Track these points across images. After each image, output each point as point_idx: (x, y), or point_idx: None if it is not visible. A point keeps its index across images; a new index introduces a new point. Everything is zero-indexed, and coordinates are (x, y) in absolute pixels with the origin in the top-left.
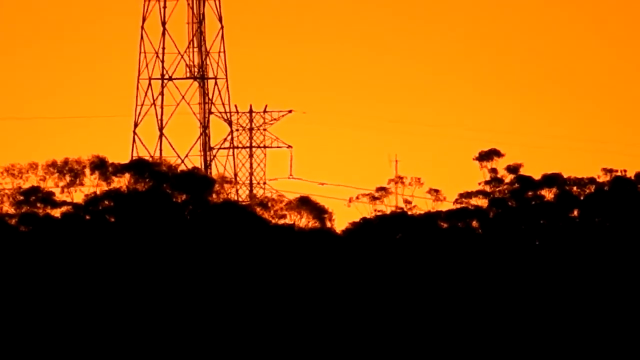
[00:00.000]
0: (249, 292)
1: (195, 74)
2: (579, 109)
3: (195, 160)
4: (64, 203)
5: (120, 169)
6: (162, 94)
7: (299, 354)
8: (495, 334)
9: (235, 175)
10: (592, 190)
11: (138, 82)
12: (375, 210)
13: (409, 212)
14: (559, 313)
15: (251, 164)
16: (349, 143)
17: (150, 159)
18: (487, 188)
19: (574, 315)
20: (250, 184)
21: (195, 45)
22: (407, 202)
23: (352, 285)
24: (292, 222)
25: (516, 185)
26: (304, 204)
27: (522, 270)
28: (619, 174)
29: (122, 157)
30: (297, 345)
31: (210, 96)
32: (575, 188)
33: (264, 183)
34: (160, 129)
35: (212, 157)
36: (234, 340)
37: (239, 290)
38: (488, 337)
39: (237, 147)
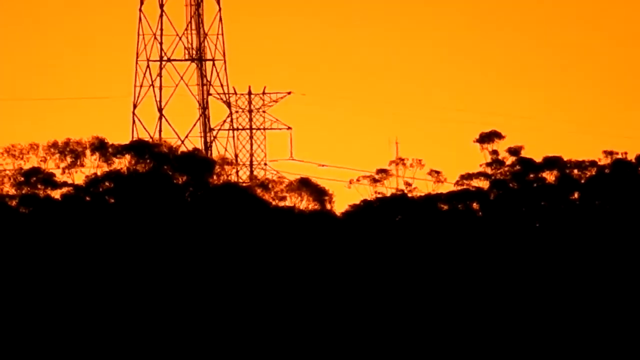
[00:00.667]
0: (249, 274)
1: (194, 55)
2: (580, 92)
3: (195, 142)
4: (64, 184)
5: (120, 150)
6: (160, 75)
7: (300, 337)
8: (495, 317)
9: (236, 156)
10: (593, 173)
11: (137, 63)
12: (375, 192)
13: (410, 194)
14: (560, 296)
15: (251, 146)
16: (349, 124)
17: (150, 140)
18: (488, 170)
19: (574, 299)
20: (251, 165)
21: (193, 27)
22: (407, 184)
23: (352, 267)
24: (293, 204)
25: (517, 167)
26: (304, 185)
27: (522, 252)
28: (619, 156)
29: (122, 139)
30: (297, 329)
31: (209, 78)
32: (576, 171)
33: (265, 164)
34: (160, 110)
35: (212, 138)
36: (235, 322)
37: (239, 272)
38: (488, 321)
39: (237, 129)
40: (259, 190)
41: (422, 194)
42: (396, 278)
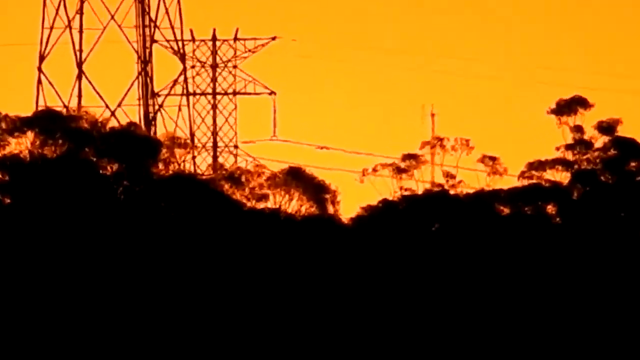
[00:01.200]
0: (209, 306)
1: None
2: None
3: (131, 113)
4: None
5: (19, 126)
6: (80, 12)
7: None
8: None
9: (192, 135)
10: None
11: None
12: (401, 189)
13: (452, 191)
14: None
15: (215, 118)
16: (361, 88)
17: (64, 110)
18: (569, 155)
19: None
20: (214, 148)
21: None
22: (449, 175)
23: (366, 297)
24: (277, 206)
25: (612, 151)
26: (295, 178)
27: (619, 273)
28: None
29: (23, 107)
30: None
31: (153, 17)
32: None
33: (235, 147)
34: (79, 65)
35: (156, 107)
36: None
37: (193, 302)
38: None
39: (195, 94)
40: (226, 186)
41: (471, 191)
42: (433, 313)
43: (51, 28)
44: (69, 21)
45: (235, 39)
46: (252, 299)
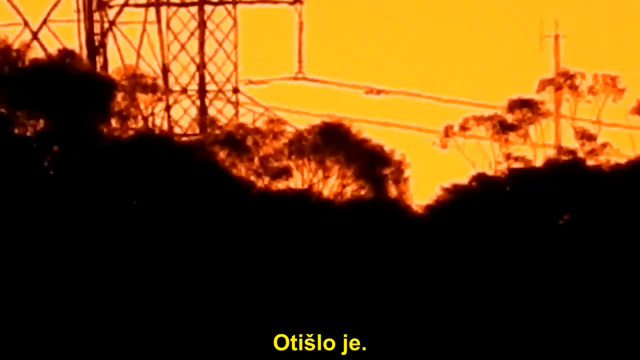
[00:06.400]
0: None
1: None
2: None
3: (65, 34)
4: None
5: None
6: None
7: None
8: None
9: (165, 71)
10: None
11: None
12: (507, 157)
13: (591, 160)
14: None
15: (202, 43)
16: None
17: None
18: None
19: None
20: (201, 92)
21: None
22: (585, 135)
23: (447, 318)
24: (308, 185)
25: None
26: (334, 141)
27: None
28: None
29: None
30: None
31: None
32: None
33: (235, 91)
34: None
35: (106, 26)
36: None
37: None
38: None
39: (169, 4)
40: (222, 153)
41: (622, 161)
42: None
43: None
44: None
45: None
46: (267, 320)
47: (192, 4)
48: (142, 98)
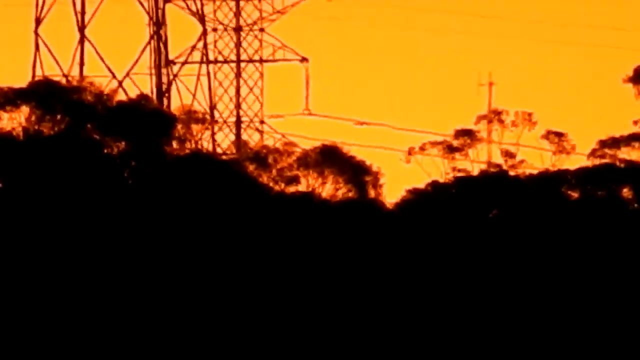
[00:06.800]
0: (231, 300)
1: None
2: None
3: (142, 83)
4: None
5: (12, 98)
6: None
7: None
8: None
9: (212, 109)
10: None
11: None
12: (453, 169)
13: (512, 172)
14: None
15: (238, 90)
16: (408, 55)
17: (64, 81)
18: None
19: None
20: (237, 123)
21: None
22: (508, 154)
23: (409, 286)
24: (310, 189)
25: None
26: (330, 158)
27: None
28: None
29: (17, 78)
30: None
31: None
32: None
33: (261, 123)
34: (81, 29)
35: (170, 77)
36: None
37: (212, 295)
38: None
39: (215, 62)
40: (251, 167)
41: (534, 172)
42: (488, 306)
43: None
44: None
45: None
46: (280, 292)
47: (231, 61)
48: (195, 127)
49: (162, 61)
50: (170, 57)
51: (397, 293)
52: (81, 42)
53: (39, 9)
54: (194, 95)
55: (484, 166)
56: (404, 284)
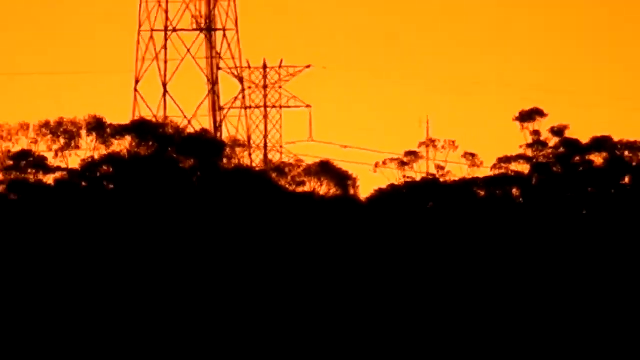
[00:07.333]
0: (264, 265)
1: (202, 25)
2: (631, 64)
3: (203, 121)
4: (57, 169)
5: (120, 131)
6: (165, 47)
7: (316, 328)
8: (534, 312)
9: (249, 138)
10: None
11: (139, 34)
12: (404, 177)
13: (442, 179)
14: (608, 286)
15: (266, 126)
16: (375, 102)
17: (154, 120)
18: (529, 152)
19: (624, 287)
20: (265, 147)
21: None
22: (439, 167)
23: (378, 257)
24: (312, 190)
25: (561, 149)
26: (325, 169)
27: (568, 243)
28: None
29: (122, 118)
30: (314, 319)
31: (219, 50)
32: (627, 152)
33: (280, 147)
34: (164, 85)
35: (222, 117)
36: (250, 316)
37: (253, 263)
38: (526, 315)
39: (250, 107)
40: (274, 175)
41: (456, 179)
42: (426, 269)
43: (144, 59)
44: (157, 53)
45: (280, 66)
46: (292, 256)
47: (261, 106)
48: (238, 150)
49: (216, 107)
50: (221, 104)
51: (369, 263)
52: (164, 94)
53: (138, 72)
54: (236, 130)
55: (423, 175)
56: (372, 257)
